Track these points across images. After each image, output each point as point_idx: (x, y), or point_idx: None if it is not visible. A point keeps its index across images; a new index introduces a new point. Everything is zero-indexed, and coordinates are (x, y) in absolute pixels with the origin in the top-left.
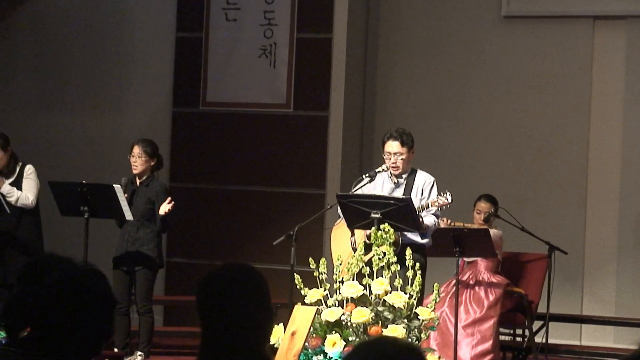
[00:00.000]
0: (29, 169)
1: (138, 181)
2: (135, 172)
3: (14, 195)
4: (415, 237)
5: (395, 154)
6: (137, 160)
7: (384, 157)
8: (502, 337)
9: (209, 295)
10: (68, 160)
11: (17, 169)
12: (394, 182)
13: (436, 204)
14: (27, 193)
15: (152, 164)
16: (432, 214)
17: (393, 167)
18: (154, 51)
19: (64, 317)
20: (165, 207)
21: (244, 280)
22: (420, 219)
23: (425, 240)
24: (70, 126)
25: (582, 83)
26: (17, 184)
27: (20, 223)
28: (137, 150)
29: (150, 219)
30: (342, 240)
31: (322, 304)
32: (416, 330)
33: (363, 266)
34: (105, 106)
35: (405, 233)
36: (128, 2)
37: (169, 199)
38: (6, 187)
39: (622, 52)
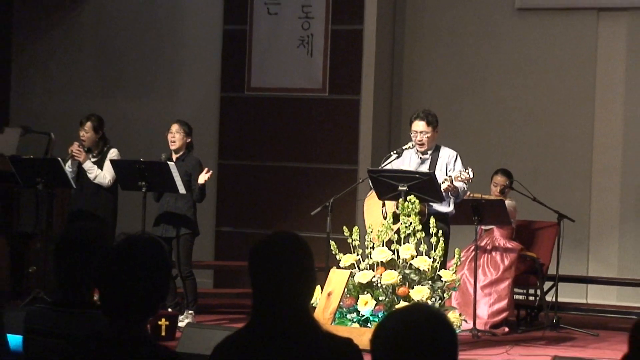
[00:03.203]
0: (112, 152)
1: (175, 157)
2: (173, 147)
3: (93, 172)
4: (440, 207)
5: (421, 132)
6: (176, 136)
7: (411, 136)
8: (516, 297)
9: (261, 259)
10: (126, 140)
11: (104, 150)
12: (420, 158)
13: (459, 178)
14: (105, 173)
15: (188, 141)
16: (461, 182)
17: (419, 144)
18: (203, 42)
19: (125, 281)
20: (204, 176)
21: (293, 247)
22: (451, 186)
23: (449, 209)
24: (128, 110)
25: (587, 68)
26: (100, 164)
27: (98, 198)
28: (175, 127)
29: (187, 190)
30: (373, 210)
31: (355, 268)
32: (439, 290)
33: (392, 234)
34: (159, 92)
35: (431, 204)
36: None
37: (207, 169)
38: (88, 164)
39: (624, 41)
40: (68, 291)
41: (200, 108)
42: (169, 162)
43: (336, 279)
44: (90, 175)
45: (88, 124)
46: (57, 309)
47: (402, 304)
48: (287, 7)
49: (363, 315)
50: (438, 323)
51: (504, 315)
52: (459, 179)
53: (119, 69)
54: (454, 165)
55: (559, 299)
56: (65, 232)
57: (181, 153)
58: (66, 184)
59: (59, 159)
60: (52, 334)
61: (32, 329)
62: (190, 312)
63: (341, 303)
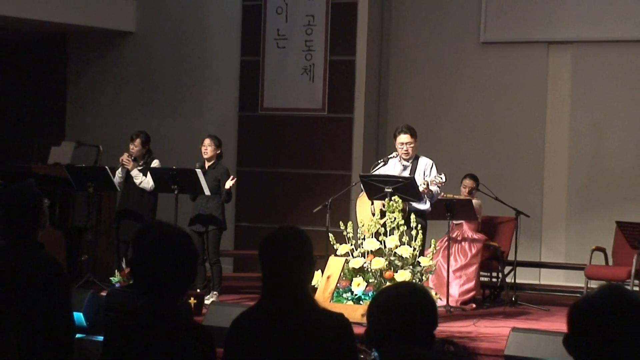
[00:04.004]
0: (155, 162)
1: (207, 165)
2: (205, 157)
3: (139, 178)
4: (418, 205)
5: (406, 143)
6: (208, 148)
7: (397, 147)
8: (482, 279)
9: (269, 250)
10: (160, 151)
11: (149, 161)
12: (403, 165)
13: (434, 182)
14: (148, 179)
15: (218, 152)
16: (436, 186)
17: (405, 153)
18: (224, 70)
19: (161, 267)
20: (230, 183)
21: (295, 239)
22: (427, 189)
23: (426, 207)
24: (162, 126)
25: (539, 91)
26: (145, 171)
27: (141, 200)
28: (207, 141)
29: (216, 193)
30: (364, 208)
31: (350, 255)
32: (419, 274)
33: (379, 227)
34: (188, 111)
35: (411, 203)
36: (206, 35)
37: (232, 176)
38: (135, 171)
39: (569, 68)
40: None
41: (222, 124)
42: (196, 169)
43: (334, 265)
44: (136, 181)
45: (137, 140)
46: (129, 290)
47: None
48: (293, 42)
49: (356, 295)
50: (420, 294)
51: (472, 294)
52: (434, 182)
53: (155, 93)
54: (430, 172)
55: (517, 281)
56: (141, 229)
57: (212, 162)
58: (112, 187)
59: (107, 167)
60: (123, 310)
61: (109, 307)
62: (215, 292)
63: (338, 285)
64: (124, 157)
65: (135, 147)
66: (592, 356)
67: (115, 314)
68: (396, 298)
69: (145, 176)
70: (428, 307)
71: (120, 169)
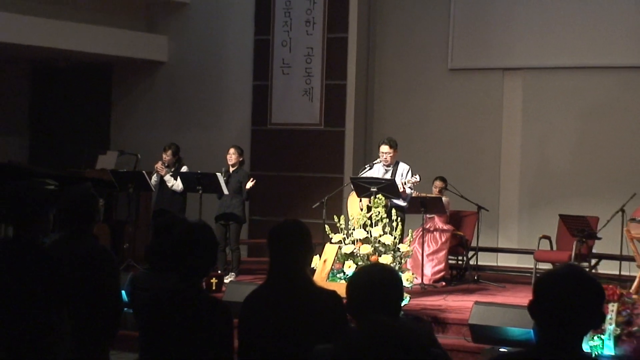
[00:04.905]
0: (184, 168)
1: (231, 170)
2: (230, 163)
3: (170, 182)
4: (398, 202)
5: (386, 153)
6: (232, 156)
7: (379, 155)
8: (450, 262)
9: (275, 238)
10: (187, 158)
11: (178, 167)
12: (385, 170)
13: (410, 181)
14: (179, 182)
15: (241, 159)
16: (409, 188)
17: (385, 161)
18: (240, 92)
19: (187, 253)
20: (250, 184)
21: (296, 230)
22: (404, 189)
23: (404, 204)
24: (189, 138)
25: (496, 109)
26: (175, 176)
27: (173, 200)
28: (232, 150)
29: (238, 192)
30: (354, 204)
31: (342, 243)
32: (399, 258)
33: (366, 220)
34: (210, 126)
35: (392, 200)
36: (224, 63)
37: (252, 179)
38: (167, 177)
39: (520, 90)
40: (160, 260)
41: (238, 137)
42: (217, 173)
43: (329, 251)
44: (169, 185)
45: (169, 151)
46: (152, 272)
47: None
48: (295, 69)
49: (348, 275)
50: (388, 273)
51: (442, 274)
52: (410, 182)
53: (183, 111)
54: (407, 175)
55: (479, 263)
56: (159, 223)
57: (235, 167)
58: (148, 188)
59: (144, 171)
60: (148, 289)
61: (135, 285)
62: (233, 273)
63: (333, 267)
64: (158, 165)
65: (167, 156)
66: (552, 319)
67: (140, 291)
68: (368, 276)
69: (176, 180)
70: (394, 283)
71: (155, 175)
